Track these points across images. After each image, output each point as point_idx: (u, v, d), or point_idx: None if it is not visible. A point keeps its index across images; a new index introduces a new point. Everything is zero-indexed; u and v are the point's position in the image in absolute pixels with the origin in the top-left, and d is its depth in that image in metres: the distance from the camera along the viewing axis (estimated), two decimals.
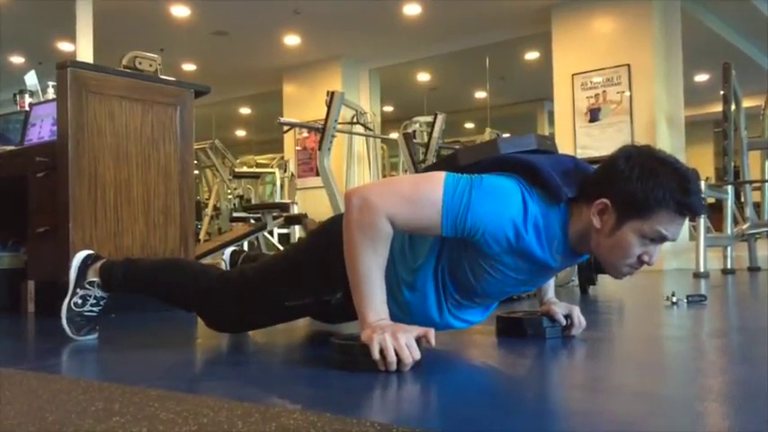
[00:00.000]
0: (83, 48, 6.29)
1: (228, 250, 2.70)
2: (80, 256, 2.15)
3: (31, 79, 3.82)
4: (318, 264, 1.80)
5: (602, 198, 1.58)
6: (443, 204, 1.51)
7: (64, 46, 8.65)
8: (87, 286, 2.09)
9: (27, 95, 3.76)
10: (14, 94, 3.88)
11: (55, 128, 3.08)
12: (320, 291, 1.79)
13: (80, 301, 2.08)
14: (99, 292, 2.10)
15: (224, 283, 1.99)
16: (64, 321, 2.06)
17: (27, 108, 3.58)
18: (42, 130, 3.28)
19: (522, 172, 1.61)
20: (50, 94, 3.60)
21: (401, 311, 1.69)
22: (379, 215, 1.51)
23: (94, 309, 2.10)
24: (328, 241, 1.75)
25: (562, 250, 1.64)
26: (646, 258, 1.61)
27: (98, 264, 2.14)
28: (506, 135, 11.17)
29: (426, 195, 1.53)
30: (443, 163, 1.77)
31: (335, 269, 1.63)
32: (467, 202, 1.51)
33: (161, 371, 1.67)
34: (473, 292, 1.70)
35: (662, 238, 1.58)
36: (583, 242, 1.64)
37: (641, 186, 1.54)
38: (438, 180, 1.55)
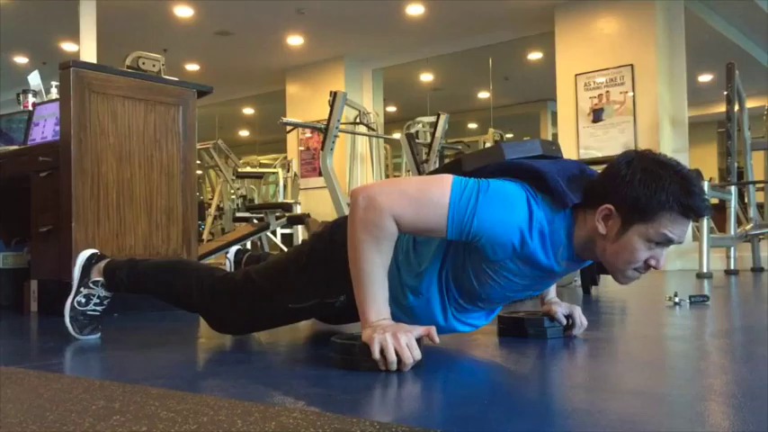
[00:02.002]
0: (86, 48, 6.30)
1: (233, 249, 2.71)
2: (84, 255, 2.16)
3: (34, 79, 3.83)
4: (322, 267, 1.80)
5: (606, 204, 1.57)
6: (450, 207, 1.51)
7: (67, 46, 8.67)
8: (91, 285, 2.10)
9: (30, 95, 3.77)
10: (18, 94, 3.89)
11: (58, 128, 3.08)
12: (324, 294, 1.79)
13: (83, 300, 2.09)
14: (102, 292, 2.11)
15: (228, 286, 1.99)
16: (67, 320, 2.07)
17: (30, 108, 3.59)
18: (46, 129, 3.29)
19: (528, 178, 1.61)
20: (54, 93, 3.60)
21: (406, 316, 1.70)
22: (384, 214, 1.51)
23: (98, 308, 2.11)
24: (332, 245, 1.76)
25: (567, 256, 1.64)
26: (653, 263, 1.61)
27: (102, 263, 2.15)
28: (509, 136, 11.20)
29: (433, 197, 1.53)
30: (447, 168, 1.77)
31: (339, 272, 1.63)
32: (473, 207, 1.51)
33: (162, 370, 1.68)
34: (477, 297, 1.70)
35: (668, 241, 1.57)
36: (588, 248, 1.64)
37: (644, 190, 1.54)
38: (446, 183, 1.55)
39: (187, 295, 2.05)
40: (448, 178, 1.56)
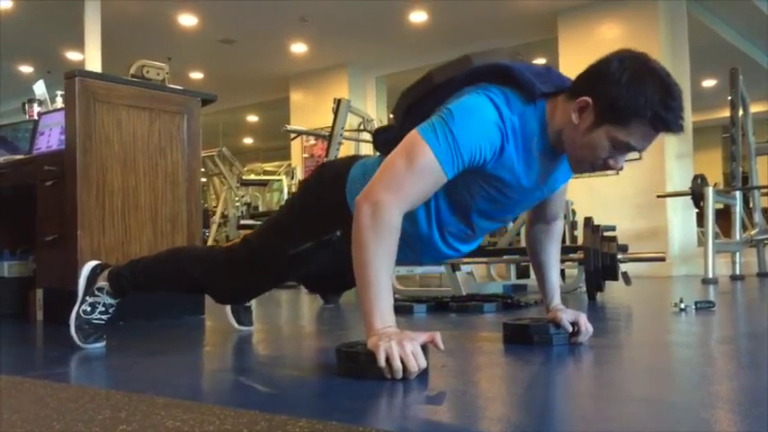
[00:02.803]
0: (91, 57, 6.33)
1: None
2: (89, 266, 2.17)
3: (39, 88, 3.85)
4: (314, 207, 1.85)
5: (586, 96, 1.60)
6: (438, 157, 1.55)
7: (72, 55, 8.71)
8: (96, 293, 2.11)
9: (36, 104, 3.79)
10: (23, 103, 3.91)
11: (63, 137, 3.10)
12: (320, 231, 1.82)
13: (89, 309, 2.10)
14: (107, 299, 2.11)
15: (227, 254, 2.03)
16: (72, 329, 2.07)
17: (36, 117, 3.61)
18: (51, 138, 3.30)
19: (495, 76, 1.65)
20: (59, 103, 3.62)
21: None
22: (394, 212, 1.54)
23: (103, 317, 2.11)
24: (321, 185, 1.84)
25: (541, 148, 1.66)
26: (611, 163, 1.66)
27: (106, 271, 2.16)
28: None
29: (420, 161, 1.56)
30: (418, 84, 1.79)
31: (331, 209, 1.70)
32: (452, 139, 1.55)
33: (168, 379, 1.68)
34: (469, 211, 1.74)
35: (629, 149, 1.63)
36: (560, 139, 1.67)
37: (626, 93, 1.56)
38: (419, 141, 1.58)
39: (191, 275, 2.07)
40: (417, 136, 1.59)
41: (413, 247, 1.79)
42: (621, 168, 1.70)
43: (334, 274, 2.00)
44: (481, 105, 1.60)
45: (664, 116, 1.56)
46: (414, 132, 1.61)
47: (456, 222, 1.77)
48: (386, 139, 1.82)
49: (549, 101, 1.67)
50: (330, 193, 1.77)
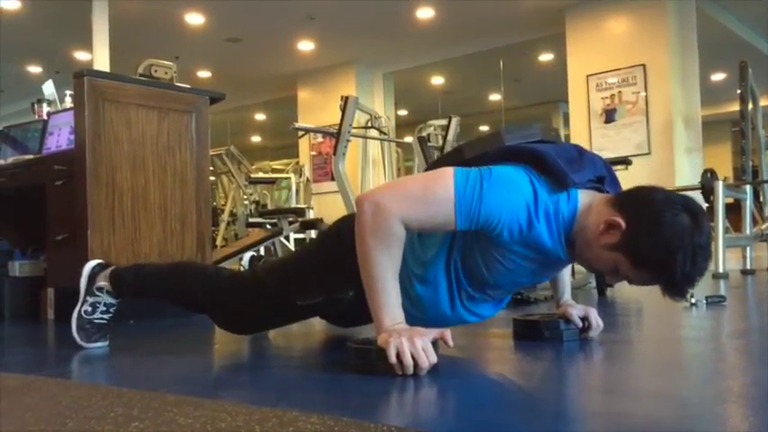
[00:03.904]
0: (99, 56, 6.35)
1: (248, 256, 2.71)
2: (89, 265, 2.16)
3: (48, 88, 3.86)
4: (330, 263, 1.81)
5: (621, 218, 1.56)
6: (456, 200, 1.52)
7: (81, 55, 8.73)
8: (96, 292, 2.10)
9: (45, 104, 3.80)
10: (32, 104, 3.92)
11: (73, 136, 3.11)
12: (332, 289, 1.79)
13: (90, 309, 2.10)
14: (108, 299, 2.11)
15: (235, 284, 2.01)
16: (74, 329, 2.07)
17: (45, 117, 3.62)
18: (60, 138, 3.32)
19: (528, 160, 1.62)
20: (68, 102, 3.63)
21: (413, 306, 1.70)
22: (392, 219, 1.51)
23: (104, 316, 2.11)
24: (340, 240, 1.77)
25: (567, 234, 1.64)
26: (611, 281, 1.70)
27: (107, 270, 2.15)
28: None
29: (438, 193, 1.54)
30: (449, 157, 1.79)
31: (347, 268, 1.63)
32: (479, 195, 1.52)
33: (179, 376, 1.68)
34: (485, 283, 1.71)
35: (628, 281, 1.64)
36: (579, 234, 1.64)
37: (658, 249, 1.52)
38: (448, 176, 1.56)
39: (193, 295, 2.06)
40: (449, 171, 1.57)
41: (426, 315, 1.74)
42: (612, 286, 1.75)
43: (348, 316, 2.01)
44: (520, 180, 1.57)
45: (674, 288, 1.57)
46: (448, 168, 1.58)
47: (473, 290, 1.74)
48: None
49: (582, 191, 1.63)
50: (347, 253, 1.62)
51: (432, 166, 1.83)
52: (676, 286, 1.56)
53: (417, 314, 1.66)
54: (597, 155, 1.77)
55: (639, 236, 1.54)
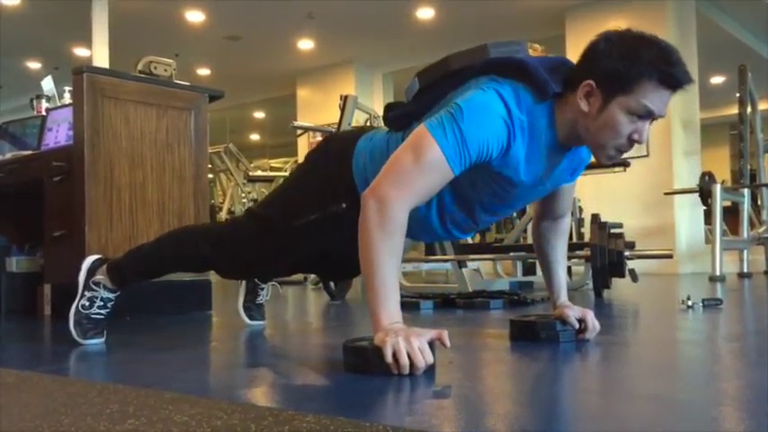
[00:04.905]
0: (98, 53, 6.35)
1: None
2: (89, 260, 2.16)
3: (47, 84, 3.86)
4: (319, 178, 1.86)
5: (587, 80, 1.60)
6: (444, 153, 1.54)
7: (80, 51, 8.73)
8: (93, 287, 2.10)
9: (44, 100, 3.80)
10: (31, 99, 3.92)
11: (71, 132, 3.11)
12: (325, 203, 1.82)
13: (87, 304, 2.09)
14: (105, 294, 2.10)
15: (234, 229, 2.05)
16: (71, 324, 2.07)
17: (44, 113, 3.62)
18: (59, 134, 3.31)
19: (509, 69, 1.64)
20: (67, 98, 3.63)
21: None
22: (400, 209, 1.54)
23: (101, 311, 2.11)
24: (326, 157, 1.84)
25: (548, 144, 1.66)
26: (636, 137, 1.63)
27: (104, 266, 2.15)
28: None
29: (428, 157, 1.55)
30: (434, 68, 1.79)
31: (336, 181, 1.71)
32: (460, 135, 1.54)
33: (175, 374, 1.68)
34: (473, 204, 1.74)
35: (649, 113, 1.60)
36: (571, 133, 1.66)
37: (623, 61, 1.57)
38: (426, 136, 1.57)
39: (195, 255, 2.07)
40: (424, 132, 1.58)
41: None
42: (646, 140, 1.67)
43: (343, 258, 2.00)
44: (490, 102, 1.59)
45: (670, 71, 1.58)
46: (421, 127, 1.61)
47: (459, 212, 1.78)
48: (395, 116, 1.83)
49: (557, 98, 1.66)
50: (335, 166, 1.78)
51: (419, 75, 1.84)
52: (673, 66, 1.57)
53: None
54: None
55: (609, 70, 1.58)
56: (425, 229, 1.83)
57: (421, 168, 1.56)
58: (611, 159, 1.69)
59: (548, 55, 1.81)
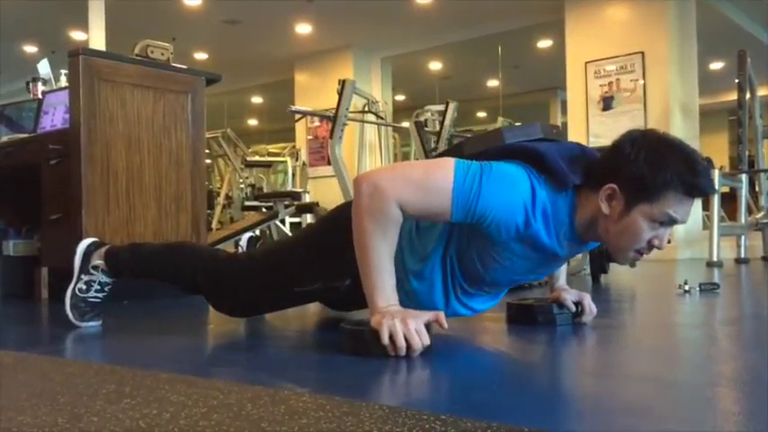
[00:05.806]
0: (95, 36, 6.30)
1: (245, 237, 2.71)
2: (84, 244, 2.16)
3: (43, 67, 3.84)
4: (327, 250, 1.80)
5: (610, 183, 1.57)
6: (454, 190, 1.51)
7: (76, 35, 8.67)
8: (92, 271, 2.10)
9: (40, 83, 3.78)
10: (27, 83, 3.90)
11: (67, 115, 3.09)
12: (329, 277, 1.79)
13: (84, 287, 2.10)
14: (103, 278, 2.10)
15: (232, 267, 2.00)
16: (68, 307, 2.07)
17: (40, 96, 3.60)
18: (55, 117, 3.30)
19: (528, 160, 1.61)
20: (63, 82, 3.61)
21: (408, 299, 1.70)
22: (389, 201, 1.51)
23: (99, 295, 2.11)
24: (337, 228, 1.75)
25: (569, 237, 1.64)
26: (656, 243, 1.60)
27: (102, 249, 2.14)
28: (519, 125, 11.16)
29: (437, 182, 1.53)
30: (448, 153, 1.77)
31: (344, 256, 1.63)
32: (477, 189, 1.51)
33: (172, 355, 1.69)
34: (481, 280, 1.71)
35: (671, 221, 1.57)
36: (590, 230, 1.64)
37: (648, 169, 1.54)
38: (449, 166, 1.55)
39: (191, 277, 2.04)
40: (450, 161, 1.56)
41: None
42: (669, 242, 1.64)
43: (345, 301, 2.01)
44: (520, 178, 1.56)
45: (696, 182, 1.55)
46: (450, 158, 1.58)
47: (469, 285, 1.74)
48: None
49: (577, 191, 1.63)
50: (345, 239, 1.61)
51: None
52: (698, 176, 1.55)
53: (412, 306, 1.66)
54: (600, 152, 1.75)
55: (633, 176, 1.55)
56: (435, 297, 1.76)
57: (424, 186, 1.53)
58: (631, 261, 1.68)
59: (561, 134, 1.79)
